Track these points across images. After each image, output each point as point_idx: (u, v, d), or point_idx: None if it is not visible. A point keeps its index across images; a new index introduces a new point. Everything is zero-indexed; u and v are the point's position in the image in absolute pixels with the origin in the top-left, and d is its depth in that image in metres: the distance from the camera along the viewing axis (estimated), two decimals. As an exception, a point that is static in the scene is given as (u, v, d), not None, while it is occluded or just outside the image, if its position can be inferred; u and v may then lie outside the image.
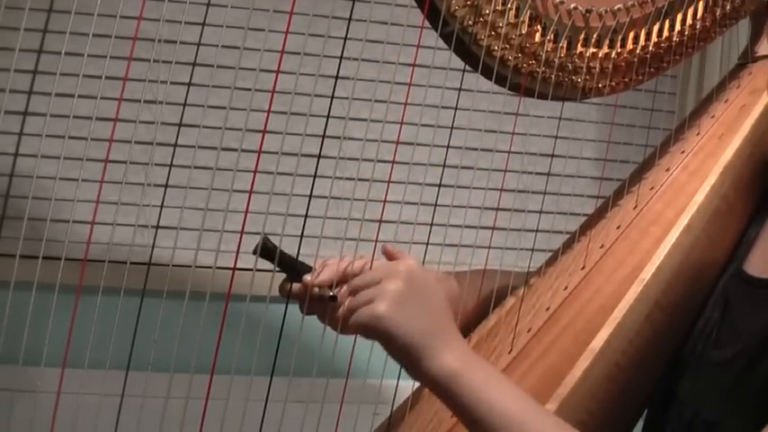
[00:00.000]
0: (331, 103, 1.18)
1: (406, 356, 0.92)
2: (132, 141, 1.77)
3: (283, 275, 1.10)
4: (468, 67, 1.16)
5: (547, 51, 1.15)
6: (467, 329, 1.19)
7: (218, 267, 1.25)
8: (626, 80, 1.22)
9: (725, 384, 0.97)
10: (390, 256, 0.98)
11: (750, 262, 1.06)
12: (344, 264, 1.06)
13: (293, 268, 1.11)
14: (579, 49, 1.18)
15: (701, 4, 1.23)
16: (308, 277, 1.06)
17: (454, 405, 0.93)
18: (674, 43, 1.23)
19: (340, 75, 1.17)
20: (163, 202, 1.17)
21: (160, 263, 1.33)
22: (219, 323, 1.08)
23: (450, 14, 1.12)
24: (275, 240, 1.06)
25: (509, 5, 1.13)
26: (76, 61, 1.22)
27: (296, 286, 1.09)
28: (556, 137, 1.37)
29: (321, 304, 1.07)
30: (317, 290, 1.08)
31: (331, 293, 1.07)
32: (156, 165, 1.86)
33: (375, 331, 0.91)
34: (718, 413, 0.97)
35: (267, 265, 1.12)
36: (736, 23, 1.29)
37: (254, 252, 1.09)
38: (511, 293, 1.23)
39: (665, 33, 1.22)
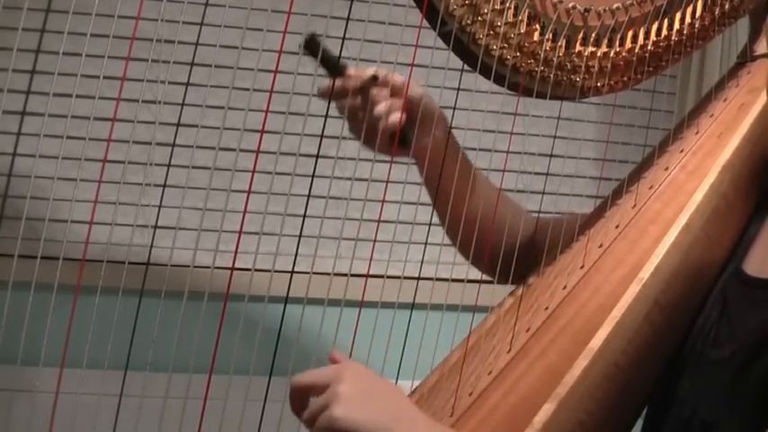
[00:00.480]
0: (329, 103, 1.18)
1: None
2: (131, 141, 1.77)
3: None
4: (466, 67, 1.16)
5: (545, 50, 1.15)
6: None
7: (216, 267, 1.25)
8: (625, 79, 1.22)
9: (723, 383, 0.97)
10: (335, 361, 0.99)
11: (749, 261, 1.06)
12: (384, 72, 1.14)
13: (335, 65, 1.15)
14: (578, 47, 1.18)
15: (699, 3, 1.23)
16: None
17: None
18: (672, 42, 1.23)
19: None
20: (161, 202, 1.17)
21: (159, 263, 1.33)
22: (218, 323, 1.08)
23: (449, 14, 1.12)
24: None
25: (507, 4, 1.13)
26: (75, 61, 1.22)
27: (337, 83, 1.15)
28: (555, 137, 1.37)
29: (358, 99, 1.14)
30: (369, 72, 1.15)
31: (374, 74, 1.15)
32: (154, 164, 1.86)
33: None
34: (715, 412, 0.97)
35: (267, 264, 1.12)
36: (735, 22, 1.29)
37: (301, 46, 1.14)
38: (510, 293, 1.23)
39: (664, 32, 1.22)
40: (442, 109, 1.25)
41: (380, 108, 1.18)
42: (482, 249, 1.23)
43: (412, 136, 1.21)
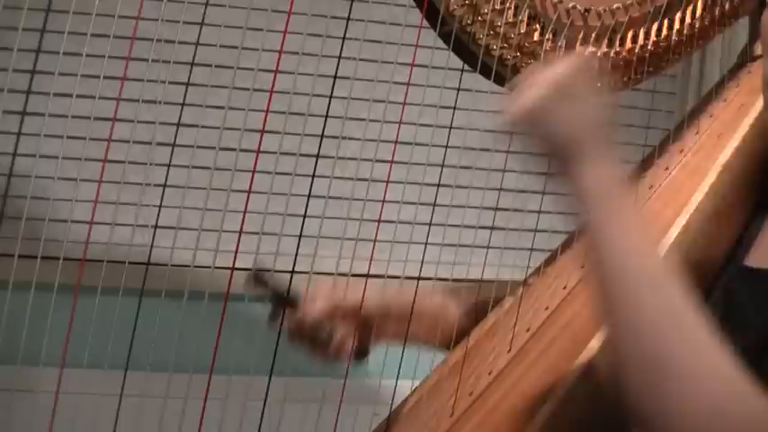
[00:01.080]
0: (329, 103, 1.18)
1: (561, 152, 0.86)
2: (131, 141, 1.77)
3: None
4: (466, 67, 1.16)
5: (545, 50, 1.15)
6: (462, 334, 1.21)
7: (216, 267, 1.25)
8: (625, 79, 1.22)
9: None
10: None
11: (752, 256, 1.06)
12: (337, 293, 1.09)
13: (284, 298, 1.12)
14: (578, 47, 1.18)
15: (699, 4, 1.23)
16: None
17: (591, 220, 0.88)
18: (672, 42, 1.23)
19: (338, 74, 1.17)
20: (161, 202, 1.16)
21: (159, 263, 1.33)
22: (218, 323, 1.08)
23: (449, 14, 1.12)
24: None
25: (507, 4, 1.13)
26: (75, 61, 1.22)
27: (290, 322, 1.12)
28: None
29: (314, 340, 1.11)
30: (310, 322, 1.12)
31: (328, 333, 1.12)
32: (154, 164, 1.86)
33: (535, 116, 0.85)
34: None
35: (267, 264, 1.12)
36: (735, 22, 1.29)
37: (247, 282, 1.11)
38: (509, 293, 1.23)
39: (664, 32, 1.22)
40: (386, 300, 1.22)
41: (334, 346, 1.15)
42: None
43: (367, 351, 1.20)
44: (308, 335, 1.12)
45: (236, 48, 1.30)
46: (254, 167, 1.12)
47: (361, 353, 1.19)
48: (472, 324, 1.22)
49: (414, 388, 1.16)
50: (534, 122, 0.86)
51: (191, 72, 1.21)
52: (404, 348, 1.12)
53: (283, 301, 1.13)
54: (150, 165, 1.59)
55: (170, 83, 1.54)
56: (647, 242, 0.88)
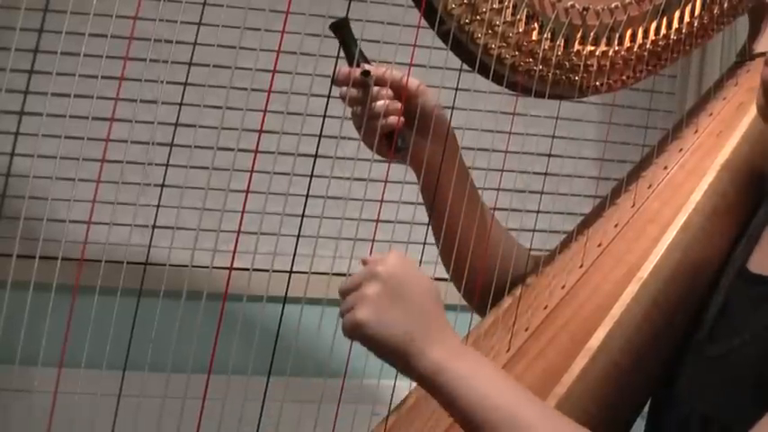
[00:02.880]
0: (328, 103, 1.18)
1: (394, 358, 0.91)
2: (129, 141, 1.77)
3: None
4: (465, 66, 1.16)
5: (544, 49, 1.15)
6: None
7: (215, 267, 1.25)
8: (624, 78, 1.22)
9: (722, 379, 0.98)
10: (365, 262, 0.98)
11: (752, 260, 1.06)
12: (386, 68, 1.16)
13: (351, 56, 1.18)
14: (576, 46, 1.18)
15: (698, 2, 1.23)
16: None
17: (444, 399, 0.92)
18: (671, 41, 1.23)
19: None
20: (159, 202, 1.16)
21: (157, 263, 1.32)
22: (216, 323, 1.08)
23: (447, 13, 1.12)
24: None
25: (506, 3, 1.13)
26: (73, 61, 1.22)
27: (341, 69, 1.17)
28: (554, 136, 1.37)
29: (357, 92, 1.17)
30: (358, 72, 1.16)
31: (365, 69, 1.16)
32: (153, 164, 1.86)
33: (359, 338, 0.92)
34: (714, 408, 0.97)
35: (265, 264, 1.12)
36: (733, 21, 1.29)
37: (330, 26, 1.17)
38: (508, 293, 1.23)
39: (663, 31, 1.22)
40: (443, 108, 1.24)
41: (377, 106, 1.18)
42: (475, 277, 1.21)
43: (407, 142, 1.20)
44: (353, 89, 1.17)
45: (234, 48, 1.30)
46: (253, 167, 1.12)
47: (399, 142, 1.19)
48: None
49: (413, 388, 1.16)
50: (362, 338, 0.91)
51: (188, 72, 1.21)
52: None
53: (349, 57, 1.17)
54: (148, 165, 1.59)
55: (168, 83, 1.54)
56: (513, 387, 0.93)
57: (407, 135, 1.20)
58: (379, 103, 1.17)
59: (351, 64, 1.18)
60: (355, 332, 0.91)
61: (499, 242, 1.25)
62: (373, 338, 0.90)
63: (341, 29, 1.18)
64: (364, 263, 0.97)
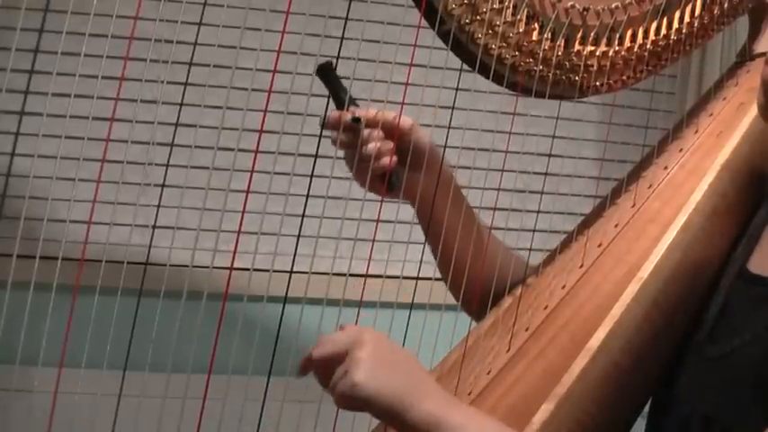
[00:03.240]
0: (328, 103, 1.18)
1: (391, 415, 0.93)
2: (129, 141, 1.77)
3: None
4: (465, 66, 1.16)
5: (544, 49, 1.15)
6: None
7: (215, 267, 1.25)
8: (624, 78, 1.22)
9: (722, 379, 0.98)
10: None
11: (753, 260, 1.06)
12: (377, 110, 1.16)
13: (340, 100, 1.17)
14: (577, 47, 1.18)
15: (698, 2, 1.23)
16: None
17: None
18: (671, 41, 1.23)
19: (337, 74, 1.17)
20: (160, 202, 1.16)
21: (157, 263, 1.33)
22: (217, 323, 1.08)
23: (448, 13, 1.12)
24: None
25: (506, 3, 1.13)
26: (73, 61, 1.22)
27: (332, 113, 1.17)
28: (554, 136, 1.37)
29: (347, 135, 1.16)
30: (350, 115, 1.16)
31: (355, 116, 1.16)
32: (153, 164, 1.86)
33: (356, 399, 0.93)
34: (715, 408, 0.97)
35: (266, 264, 1.12)
36: (734, 21, 1.29)
37: (316, 72, 1.17)
38: (508, 293, 1.23)
39: (663, 31, 1.22)
40: (435, 138, 1.24)
41: (369, 149, 1.18)
42: (473, 288, 1.23)
43: (400, 180, 1.20)
44: (343, 134, 1.17)
45: (234, 48, 1.30)
46: (253, 167, 1.12)
47: (392, 181, 1.19)
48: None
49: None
50: (360, 400, 0.93)
51: (189, 72, 1.21)
52: (403, 345, 1.12)
53: (337, 102, 1.17)
54: (149, 165, 1.59)
55: (168, 83, 1.53)
56: None
57: (400, 172, 1.20)
58: (371, 146, 1.17)
59: (339, 107, 1.17)
60: (352, 395, 0.92)
61: (496, 256, 1.25)
62: (370, 397, 0.92)
63: (327, 73, 1.18)
64: (342, 330, 0.99)
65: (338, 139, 1.18)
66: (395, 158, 1.19)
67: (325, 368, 0.96)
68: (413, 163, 1.19)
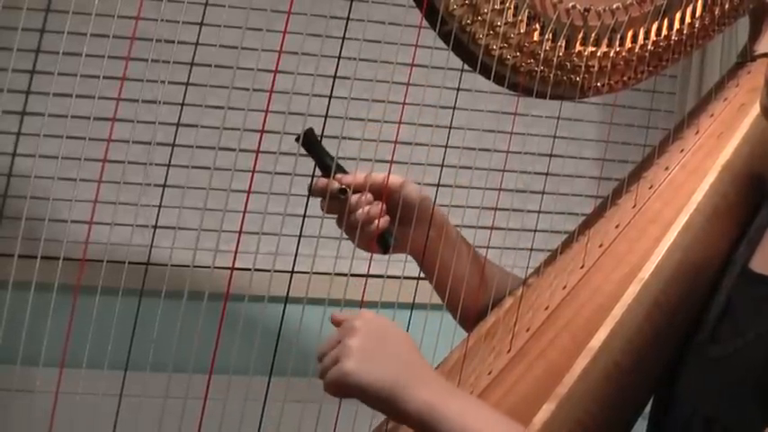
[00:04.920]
0: (329, 103, 1.18)
1: (383, 403, 0.93)
2: (131, 141, 1.77)
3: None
4: (466, 67, 1.16)
5: (545, 50, 1.15)
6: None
7: (216, 267, 1.25)
8: (625, 79, 1.22)
9: (724, 379, 0.98)
10: (338, 321, 1.00)
11: (755, 259, 1.06)
12: (365, 174, 1.15)
13: (325, 166, 1.17)
14: (578, 47, 1.18)
15: (699, 3, 1.23)
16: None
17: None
18: (672, 42, 1.23)
19: (338, 74, 1.17)
20: (161, 202, 1.16)
21: (158, 263, 1.33)
22: (218, 323, 1.08)
23: (449, 13, 1.12)
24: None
25: (507, 4, 1.13)
26: (75, 61, 1.22)
27: (318, 181, 1.16)
28: (555, 136, 1.37)
29: (336, 202, 1.15)
30: (337, 185, 1.15)
31: (341, 187, 1.15)
32: (154, 164, 1.86)
33: (347, 388, 0.93)
34: (716, 408, 0.97)
35: (267, 264, 1.12)
36: (734, 22, 1.29)
37: (297, 140, 1.15)
38: (509, 293, 1.23)
39: (664, 32, 1.22)
40: (424, 186, 1.24)
41: (357, 216, 1.17)
42: (469, 313, 1.23)
43: (391, 238, 1.20)
44: (332, 194, 1.16)
45: (235, 48, 1.30)
46: (254, 167, 1.12)
47: (384, 241, 1.19)
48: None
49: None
50: (350, 388, 0.94)
51: (190, 72, 1.21)
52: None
53: (322, 169, 1.16)
54: (150, 165, 1.59)
55: (169, 83, 1.53)
56: (501, 422, 0.96)
57: (393, 230, 1.20)
58: (359, 212, 1.17)
59: (326, 173, 1.17)
60: (342, 384, 0.93)
61: (493, 279, 1.26)
62: (361, 386, 0.92)
63: (310, 141, 1.17)
64: (337, 323, 0.99)
65: (325, 206, 1.17)
66: (386, 219, 1.19)
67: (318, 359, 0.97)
68: (403, 219, 1.19)
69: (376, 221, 1.18)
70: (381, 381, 0.92)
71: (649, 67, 1.22)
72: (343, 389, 0.94)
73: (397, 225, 1.19)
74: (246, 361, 1.16)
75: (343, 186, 1.16)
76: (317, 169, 1.18)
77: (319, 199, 1.18)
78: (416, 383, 0.93)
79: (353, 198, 1.17)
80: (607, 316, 1.06)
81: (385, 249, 1.19)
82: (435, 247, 1.22)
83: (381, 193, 1.19)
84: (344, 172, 1.18)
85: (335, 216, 1.19)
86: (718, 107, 1.27)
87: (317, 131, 1.18)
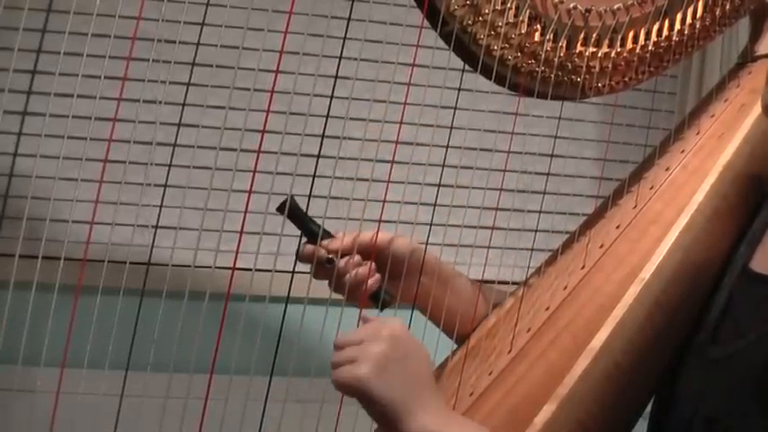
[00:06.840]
0: (330, 103, 1.18)
1: (385, 418, 0.94)
2: (131, 141, 1.77)
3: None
4: (467, 67, 1.16)
5: (546, 51, 1.15)
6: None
7: (217, 267, 1.25)
8: (625, 79, 1.22)
9: (726, 379, 0.98)
10: (368, 321, 0.99)
11: (756, 259, 1.06)
12: (353, 236, 1.14)
13: (311, 232, 1.15)
14: (579, 48, 1.18)
15: (700, 4, 1.23)
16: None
17: None
18: (673, 42, 1.23)
19: (339, 75, 1.17)
20: (162, 202, 1.16)
21: (159, 263, 1.33)
22: (219, 323, 1.08)
23: (450, 14, 1.12)
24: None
25: (508, 5, 1.13)
26: (76, 61, 1.22)
27: (305, 248, 1.15)
28: (555, 137, 1.37)
29: (324, 268, 1.14)
30: (323, 253, 1.14)
31: (329, 257, 1.14)
32: (155, 164, 1.86)
33: (354, 391, 0.93)
34: (718, 408, 0.97)
35: (268, 264, 1.12)
36: (735, 23, 1.29)
37: (278, 209, 1.14)
38: (510, 294, 1.23)
39: (665, 32, 1.22)
40: (414, 229, 1.24)
41: (347, 280, 1.16)
42: (465, 327, 1.22)
43: (383, 295, 1.18)
44: (320, 261, 1.15)
45: (236, 48, 1.30)
46: (255, 167, 1.12)
47: (377, 298, 1.18)
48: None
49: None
50: (359, 393, 0.94)
51: (191, 72, 1.21)
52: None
53: (308, 236, 1.16)
54: (151, 165, 1.59)
55: (170, 83, 1.54)
56: None
57: (381, 290, 1.19)
58: (347, 276, 1.16)
59: (311, 239, 1.16)
60: (351, 386, 0.93)
61: (489, 302, 1.26)
62: (369, 396, 0.92)
63: (292, 210, 1.16)
64: (365, 321, 0.99)
65: (313, 272, 1.17)
66: (377, 278, 1.17)
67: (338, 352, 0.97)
68: (393, 274, 1.18)
69: (366, 282, 1.16)
70: (390, 399, 0.93)
71: (650, 68, 1.22)
72: (350, 391, 0.94)
73: (389, 280, 1.18)
74: (247, 361, 1.16)
75: (330, 256, 1.15)
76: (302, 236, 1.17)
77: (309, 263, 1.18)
78: (420, 407, 0.93)
79: (342, 262, 1.15)
80: (608, 316, 1.07)
81: (382, 307, 1.19)
82: (427, 292, 1.21)
83: (370, 252, 1.17)
84: (331, 236, 1.17)
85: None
86: (719, 108, 1.27)
87: (318, 131, 1.18)
